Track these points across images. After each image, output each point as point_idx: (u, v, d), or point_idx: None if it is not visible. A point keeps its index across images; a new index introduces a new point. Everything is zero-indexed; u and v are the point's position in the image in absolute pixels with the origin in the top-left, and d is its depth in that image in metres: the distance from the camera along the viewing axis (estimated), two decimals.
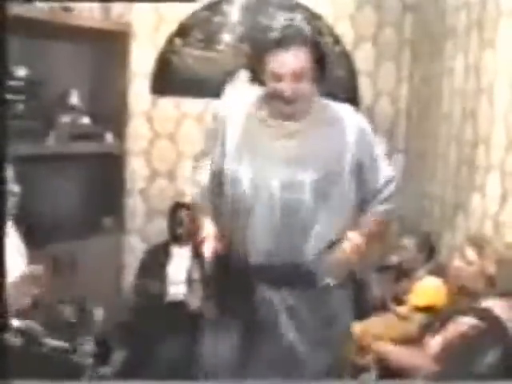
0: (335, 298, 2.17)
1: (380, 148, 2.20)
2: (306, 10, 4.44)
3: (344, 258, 2.02)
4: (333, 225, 2.07)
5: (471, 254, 2.76)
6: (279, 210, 2.02)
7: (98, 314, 2.95)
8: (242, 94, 2.31)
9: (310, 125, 2.09)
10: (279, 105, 2.04)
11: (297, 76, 2.01)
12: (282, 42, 2.01)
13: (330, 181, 2.05)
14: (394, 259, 3.95)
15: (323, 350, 2.14)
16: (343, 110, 2.17)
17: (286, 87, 2.01)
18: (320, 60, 2.06)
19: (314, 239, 2.05)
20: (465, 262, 2.77)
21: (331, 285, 2.13)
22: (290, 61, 2.00)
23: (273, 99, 2.06)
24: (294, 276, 2.06)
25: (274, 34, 2.02)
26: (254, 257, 2.06)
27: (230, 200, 2.08)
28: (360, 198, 2.16)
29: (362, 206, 2.19)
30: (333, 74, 4.55)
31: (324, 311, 2.14)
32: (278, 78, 2.02)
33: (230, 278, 2.15)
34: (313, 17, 4.46)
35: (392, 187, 2.24)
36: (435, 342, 2.71)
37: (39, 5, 3.38)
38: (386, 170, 2.23)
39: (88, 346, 2.67)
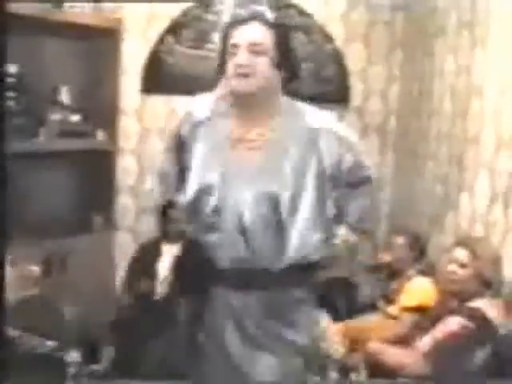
0: (296, 305, 2.11)
1: (358, 157, 2.06)
2: (297, 8, 4.45)
3: None
4: (307, 236, 2.03)
5: (463, 256, 2.76)
6: (251, 221, 2.00)
7: (70, 313, 2.90)
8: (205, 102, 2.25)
9: (279, 133, 2.04)
10: (237, 82, 2.00)
11: (253, 49, 1.98)
12: (242, 20, 2.02)
13: (299, 193, 2.00)
14: (384, 258, 3.96)
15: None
16: (318, 119, 2.08)
17: (241, 57, 1.98)
18: (283, 45, 2.03)
19: (287, 249, 2.02)
20: (457, 264, 2.76)
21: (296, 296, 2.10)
22: (248, 32, 2.00)
23: (231, 78, 2.01)
24: (260, 282, 2.05)
25: (235, 15, 2.07)
26: (222, 263, 2.04)
27: (199, 209, 2.05)
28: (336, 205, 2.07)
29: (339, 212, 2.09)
30: (324, 73, 4.57)
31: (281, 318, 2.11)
32: (236, 50, 1.99)
33: (193, 279, 2.13)
34: (303, 15, 4.47)
35: (368, 188, 2.11)
36: (425, 342, 2.72)
37: (30, 1, 3.36)
38: (363, 173, 2.09)
39: (71, 344, 2.67)
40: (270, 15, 2.04)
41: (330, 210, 2.06)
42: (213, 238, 2.03)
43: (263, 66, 2.00)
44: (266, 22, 2.02)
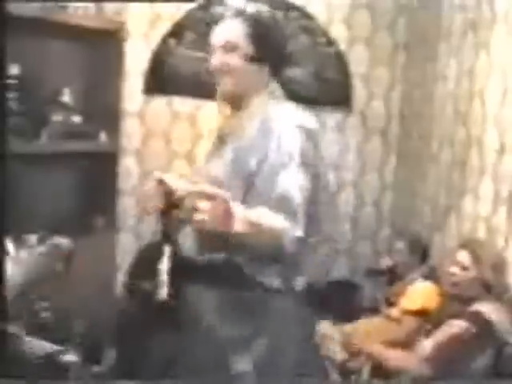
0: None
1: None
2: (299, 10, 4.45)
3: None
4: None
5: (465, 258, 2.75)
6: None
7: (79, 325, 2.88)
8: None
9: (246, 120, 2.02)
10: (216, 83, 2.03)
11: (227, 48, 1.99)
12: (218, 19, 2.07)
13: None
14: (385, 262, 3.95)
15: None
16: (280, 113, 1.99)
17: (215, 58, 2.01)
18: (261, 37, 1.99)
19: None
20: (459, 267, 2.76)
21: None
22: (222, 31, 2.02)
23: (211, 80, 2.05)
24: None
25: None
26: None
27: None
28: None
29: None
30: (326, 76, 4.56)
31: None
32: (213, 52, 2.02)
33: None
34: (306, 18, 4.46)
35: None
36: (427, 345, 2.72)
37: (32, 2, 3.36)
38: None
39: (73, 347, 2.66)
40: (248, 9, 2.06)
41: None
42: None
43: (236, 63, 1.99)
44: (241, 17, 2.03)
